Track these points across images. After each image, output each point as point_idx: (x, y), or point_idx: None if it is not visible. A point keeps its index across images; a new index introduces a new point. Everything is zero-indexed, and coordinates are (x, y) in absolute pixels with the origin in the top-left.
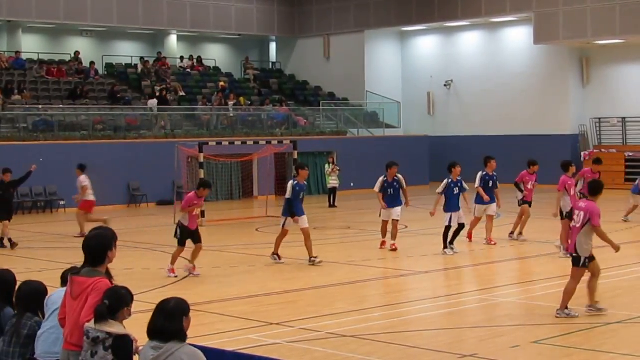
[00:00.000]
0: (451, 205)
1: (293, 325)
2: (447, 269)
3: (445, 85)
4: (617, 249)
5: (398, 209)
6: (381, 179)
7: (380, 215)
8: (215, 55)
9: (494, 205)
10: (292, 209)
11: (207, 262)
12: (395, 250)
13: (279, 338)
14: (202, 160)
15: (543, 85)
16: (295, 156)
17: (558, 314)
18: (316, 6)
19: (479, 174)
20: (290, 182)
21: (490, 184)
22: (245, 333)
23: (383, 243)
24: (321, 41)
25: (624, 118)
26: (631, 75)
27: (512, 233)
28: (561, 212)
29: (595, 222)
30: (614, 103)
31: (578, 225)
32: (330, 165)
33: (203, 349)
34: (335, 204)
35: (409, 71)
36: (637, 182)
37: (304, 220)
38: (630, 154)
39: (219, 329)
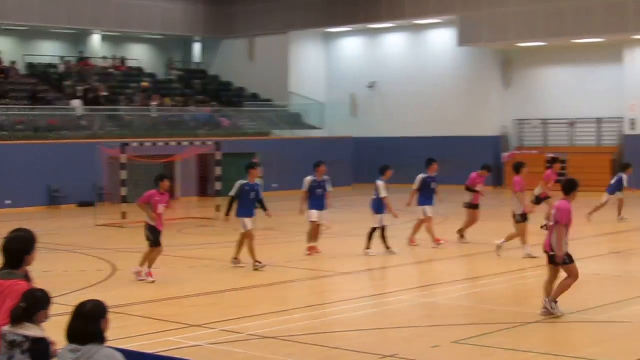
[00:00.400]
0: (383, 207)
1: (214, 327)
2: (370, 269)
3: (369, 87)
4: (560, 258)
5: (326, 212)
6: (309, 178)
7: (309, 217)
8: (139, 55)
9: (432, 207)
10: (236, 208)
11: (128, 263)
12: (317, 252)
13: (200, 340)
14: (124, 161)
15: (466, 87)
16: (219, 157)
17: (546, 303)
18: (241, 7)
19: (420, 176)
20: (239, 181)
21: (432, 185)
22: (166, 335)
23: (312, 249)
24: (246, 42)
25: (545, 120)
26: (552, 77)
27: (462, 235)
28: (514, 215)
29: (559, 219)
30: (535, 105)
31: (552, 224)
32: None
33: (122, 352)
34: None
35: (333, 72)
36: (612, 181)
37: (248, 223)
38: (551, 155)
39: (139, 331)
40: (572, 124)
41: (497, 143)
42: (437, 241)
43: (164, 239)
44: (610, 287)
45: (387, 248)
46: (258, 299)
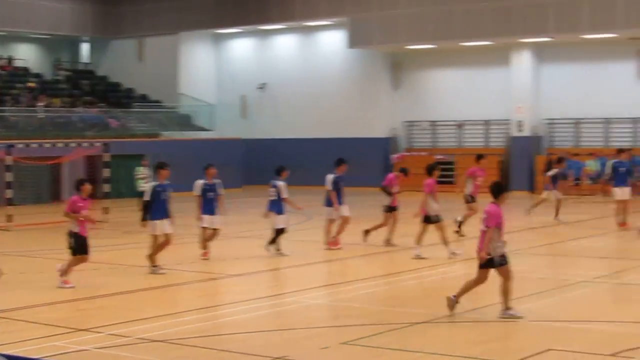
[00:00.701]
0: (283, 207)
1: (101, 330)
2: (261, 271)
3: (259, 88)
4: (482, 260)
5: (219, 217)
6: (200, 181)
7: (200, 223)
8: (26, 55)
9: (346, 206)
10: (150, 212)
11: (14, 267)
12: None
13: (87, 344)
14: (9, 163)
15: (357, 89)
16: (107, 159)
17: (503, 314)
18: (129, 7)
19: (330, 177)
20: (151, 184)
21: (340, 185)
22: (52, 340)
23: (206, 254)
24: (135, 42)
25: (434, 121)
26: (441, 79)
27: (367, 232)
28: (427, 216)
29: (487, 223)
30: (424, 107)
31: (483, 228)
32: (142, 168)
33: (6, 357)
34: None
35: (223, 74)
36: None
37: (160, 226)
38: (440, 157)
39: (24, 336)
40: (460, 125)
41: (386, 144)
42: (330, 245)
43: (51, 243)
44: (498, 286)
45: (278, 250)
46: (147, 302)
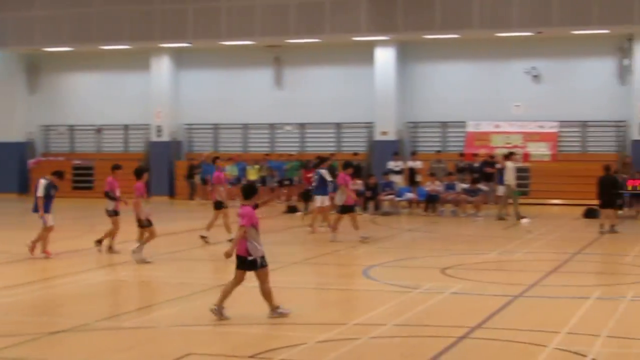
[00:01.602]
0: None
1: None
2: None
3: None
4: (228, 255)
5: None
6: None
7: None
8: None
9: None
10: None
11: None
12: None
13: None
14: None
15: None
16: None
17: (274, 314)
18: None
19: (43, 181)
20: None
21: (52, 192)
22: None
23: None
24: None
25: (73, 126)
26: (80, 83)
27: (99, 241)
28: (138, 219)
29: (242, 222)
30: (63, 111)
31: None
32: None
33: None
34: None
35: None
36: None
37: None
38: (78, 162)
39: None
40: (99, 130)
41: (22, 149)
42: (47, 253)
43: None
44: (136, 292)
45: None
46: None
